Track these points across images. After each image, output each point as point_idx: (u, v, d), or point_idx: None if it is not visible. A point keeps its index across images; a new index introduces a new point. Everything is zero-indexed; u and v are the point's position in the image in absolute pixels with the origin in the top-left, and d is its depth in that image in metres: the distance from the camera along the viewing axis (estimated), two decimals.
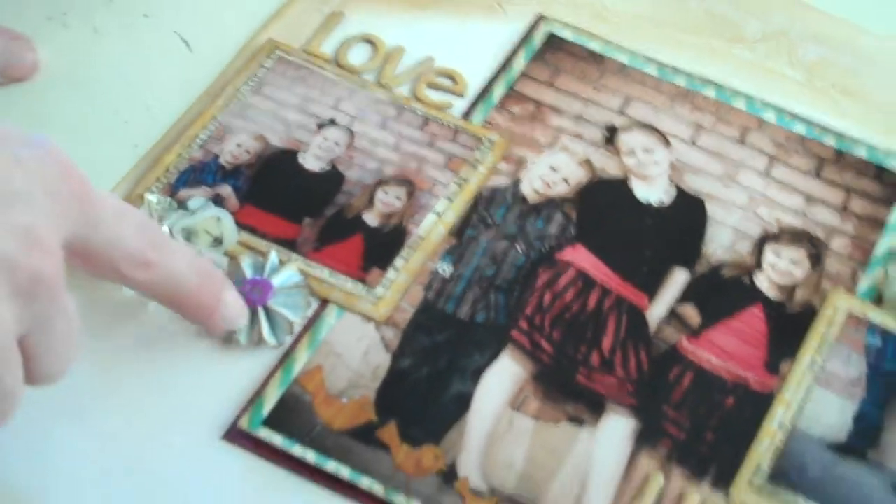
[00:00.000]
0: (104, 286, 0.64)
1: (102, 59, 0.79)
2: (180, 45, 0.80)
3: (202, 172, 0.73)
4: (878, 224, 0.74)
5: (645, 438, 0.65)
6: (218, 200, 0.72)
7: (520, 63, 0.80)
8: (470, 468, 0.63)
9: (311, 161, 0.74)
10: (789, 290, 0.71)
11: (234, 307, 0.63)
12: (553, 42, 0.81)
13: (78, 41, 0.80)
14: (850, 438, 0.65)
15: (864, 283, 0.71)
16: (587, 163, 0.75)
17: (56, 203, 0.49)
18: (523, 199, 0.74)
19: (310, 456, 0.62)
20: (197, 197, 0.71)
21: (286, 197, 0.73)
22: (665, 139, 0.77)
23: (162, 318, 0.67)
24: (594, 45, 0.81)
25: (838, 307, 0.69)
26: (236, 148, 0.74)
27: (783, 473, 0.63)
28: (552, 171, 0.75)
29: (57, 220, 0.49)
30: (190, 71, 0.79)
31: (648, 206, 0.74)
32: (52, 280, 0.48)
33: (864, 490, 0.63)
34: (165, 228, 0.67)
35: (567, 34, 0.81)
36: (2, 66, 0.75)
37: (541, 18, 0.82)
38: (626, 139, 0.77)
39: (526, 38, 0.81)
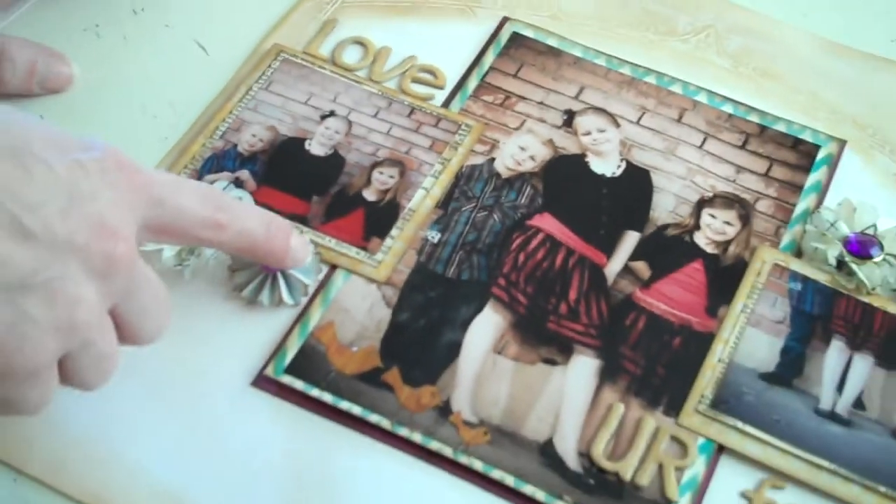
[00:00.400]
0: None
1: (131, 64, 0.77)
2: (199, 50, 0.79)
3: (223, 159, 0.72)
4: (797, 188, 0.73)
5: (607, 375, 0.65)
6: (239, 183, 0.71)
7: (489, 58, 0.79)
8: (462, 403, 0.63)
9: (317, 147, 0.73)
10: (724, 246, 0.70)
11: (300, 250, 0.62)
12: (517, 39, 0.80)
13: (110, 49, 0.78)
14: (777, 369, 0.65)
15: (786, 238, 0.71)
16: (550, 142, 0.75)
17: (119, 193, 0.50)
18: (497, 175, 0.73)
19: (326, 397, 0.62)
20: (221, 181, 0.71)
21: (296, 178, 0.72)
22: (615, 120, 0.76)
23: (197, 285, 0.67)
24: (552, 42, 0.80)
25: (765, 259, 0.69)
26: (251, 137, 0.73)
27: (723, 400, 0.63)
28: (521, 150, 0.74)
29: (123, 208, 0.49)
30: (208, 73, 0.77)
31: (603, 178, 0.73)
32: (126, 258, 0.48)
33: (790, 412, 0.63)
34: None
35: (529, 32, 0.80)
36: (41, 79, 0.74)
37: (506, 19, 0.81)
38: (582, 121, 0.76)
39: (494, 36, 0.80)
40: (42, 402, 0.50)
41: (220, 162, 0.72)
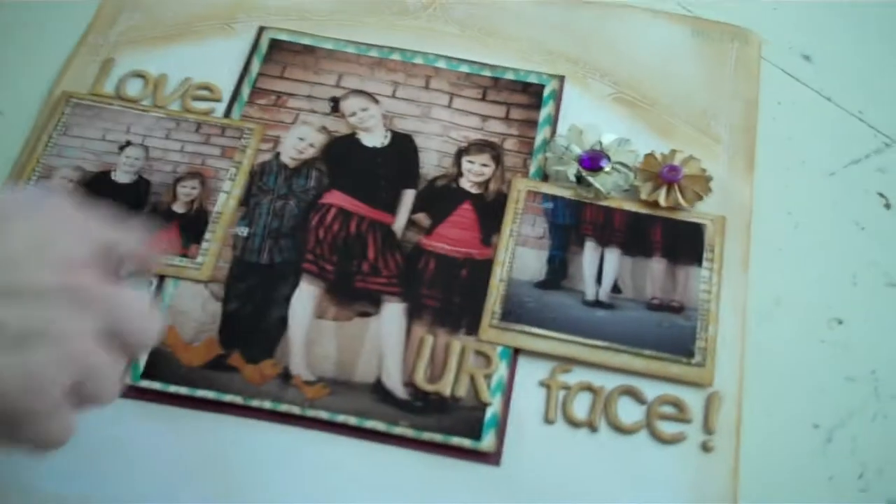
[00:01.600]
0: None
1: None
2: None
3: None
4: (533, 124, 0.79)
5: (413, 313, 0.70)
6: None
7: (255, 66, 0.81)
8: (299, 367, 0.68)
9: (122, 176, 0.75)
10: (485, 185, 0.76)
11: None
12: (275, 45, 0.83)
13: None
14: (547, 276, 0.72)
15: (533, 167, 0.77)
16: (323, 128, 0.79)
17: (73, 234, 0.52)
18: (285, 167, 0.77)
19: (183, 390, 0.67)
20: None
21: (110, 207, 0.74)
22: (374, 98, 0.80)
23: None
24: (306, 41, 0.83)
25: (519, 188, 0.76)
26: (61, 181, 0.74)
27: (509, 312, 0.70)
28: (300, 141, 0.78)
29: (79, 245, 0.52)
30: (8, 131, 0.78)
31: (374, 150, 0.78)
32: (95, 284, 0.50)
33: (564, 308, 0.71)
34: None
35: (284, 36, 0.83)
36: None
37: (262, 29, 0.83)
38: (346, 105, 0.80)
39: (255, 46, 0.82)
40: (66, 432, 0.52)
41: None
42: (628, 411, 0.67)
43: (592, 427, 0.67)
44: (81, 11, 0.84)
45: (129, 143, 0.77)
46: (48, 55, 0.82)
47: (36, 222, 0.51)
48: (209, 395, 0.66)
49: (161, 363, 0.67)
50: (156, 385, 0.67)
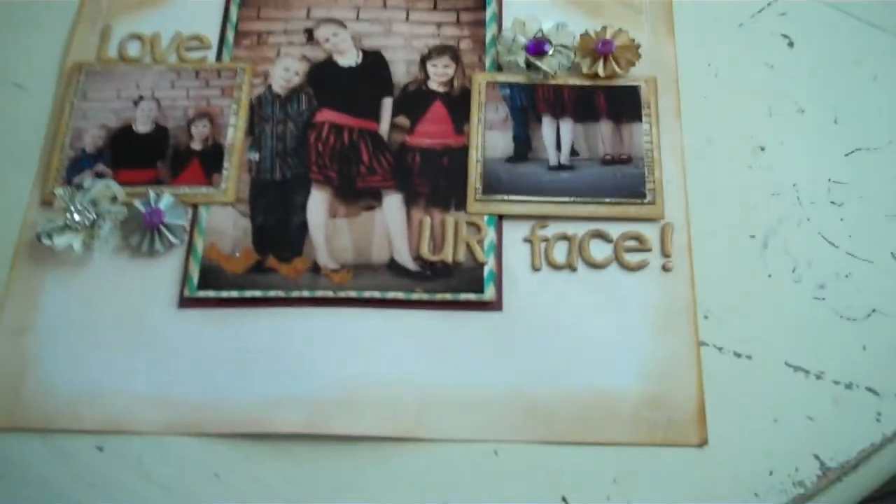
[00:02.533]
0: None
1: None
2: (17, 90, 0.88)
3: (79, 163, 0.82)
4: (481, 23, 0.88)
5: (409, 201, 0.80)
6: (99, 174, 0.82)
7: (234, 12, 0.89)
8: (324, 259, 0.78)
9: (142, 126, 0.84)
10: (450, 84, 0.85)
11: None
12: None
13: None
14: (515, 151, 0.82)
15: (488, 61, 0.86)
16: (304, 57, 0.87)
17: None
18: (278, 96, 0.85)
19: (234, 293, 0.77)
20: (86, 178, 0.81)
21: (138, 155, 0.82)
22: (342, 23, 0.88)
23: (109, 256, 0.80)
24: None
25: (479, 81, 0.85)
26: (91, 139, 0.83)
27: (489, 186, 0.80)
28: (286, 71, 0.86)
29: None
30: (34, 103, 0.86)
31: (350, 68, 0.86)
32: None
33: (534, 176, 0.80)
34: (78, 206, 0.78)
35: None
36: None
37: None
38: (319, 33, 0.88)
39: None
40: None
41: (78, 165, 0.83)
42: (599, 250, 0.79)
43: (572, 267, 0.78)
44: None
45: (141, 98, 0.85)
46: (50, 30, 0.90)
47: None
48: (256, 293, 0.76)
49: (211, 275, 0.78)
50: (210, 293, 0.77)
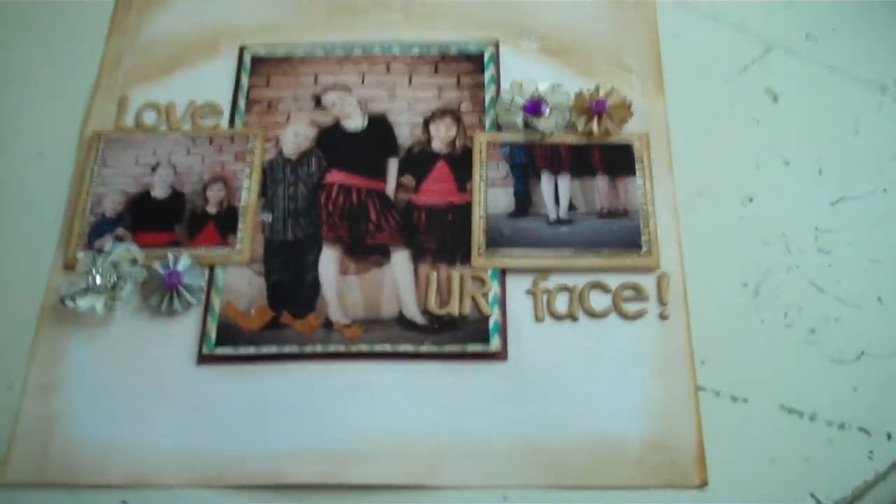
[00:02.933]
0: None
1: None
2: (39, 159, 0.91)
3: (100, 227, 0.85)
4: (481, 86, 0.91)
5: (416, 257, 0.83)
6: (119, 238, 0.85)
7: (245, 80, 0.93)
8: (337, 314, 0.81)
9: (159, 191, 0.87)
10: (452, 144, 0.88)
11: None
12: (257, 60, 0.94)
13: None
14: (516, 207, 0.85)
15: (488, 122, 0.90)
16: (312, 122, 0.90)
17: None
18: (289, 159, 0.88)
19: (250, 350, 0.80)
20: (107, 242, 0.84)
21: (156, 219, 0.86)
22: (348, 89, 0.92)
23: (129, 316, 0.83)
24: (281, 51, 0.94)
25: (480, 141, 0.88)
26: (111, 204, 0.87)
27: (492, 241, 0.83)
28: (296, 136, 0.90)
29: None
30: (54, 171, 0.90)
31: (357, 131, 0.90)
32: None
33: (535, 230, 0.84)
34: (100, 269, 0.81)
35: (262, 52, 0.94)
36: None
37: (243, 48, 0.94)
38: (326, 99, 0.91)
39: (240, 64, 0.94)
40: None
41: (98, 230, 0.86)
42: (599, 300, 0.82)
43: (573, 317, 0.81)
44: (88, 58, 0.96)
45: (158, 164, 0.89)
46: (69, 100, 0.94)
47: None
48: (272, 349, 0.80)
49: (228, 332, 0.81)
50: (227, 350, 0.80)
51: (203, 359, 0.80)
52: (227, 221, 0.86)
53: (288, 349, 0.79)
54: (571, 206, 0.85)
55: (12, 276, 0.84)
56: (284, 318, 0.81)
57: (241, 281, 0.83)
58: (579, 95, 0.88)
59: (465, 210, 0.84)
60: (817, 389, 0.77)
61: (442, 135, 0.88)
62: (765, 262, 0.83)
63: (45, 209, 0.88)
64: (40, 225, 0.87)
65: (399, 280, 0.82)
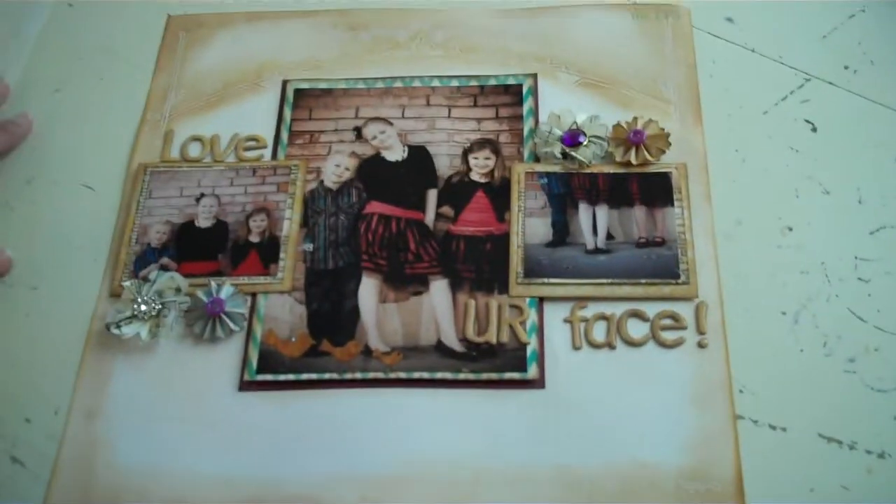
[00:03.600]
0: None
1: (45, 214, 0.92)
2: (87, 190, 0.94)
3: (145, 257, 0.87)
4: (519, 118, 0.92)
5: (455, 285, 0.84)
6: (164, 268, 0.86)
7: (287, 113, 0.94)
8: (375, 342, 0.82)
9: (203, 222, 0.89)
10: (490, 174, 0.89)
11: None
12: (299, 92, 0.95)
13: (22, 215, 0.93)
14: (554, 237, 0.85)
15: (526, 153, 0.90)
16: (353, 154, 0.91)
17: None
18: (330, 190, 0.90)
19: (290, 377, 0.81)
20: (152, 270, 0.86)
21: (200, 249, 0.87)
22: (388, 122, 0.93)
23: (172, 344, 0.84)
24: (322, 85, 0.95)
25: (519, 172, 0.89)
26: (156, 234, 0.88)
27: (530, 270, 0.84)
28: (336, 167, 0.91)
29: None
30: (102, 202, 0.92)
31: (397, 163, 0.91)
32: None
33: (572, 259, 0.84)
34: (145, 297, 0.83)
35: (304, 84, 0.95)
36: None
37: (286, 81, 0.95)
38: (367, 131, 0.93)
39: (283, 97, 0.95)
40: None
41: (144, 259, 0.88)
42: (636, 329, 0.82)
43: (611, 346, 0.81)
44: (135, 93, 0.98)
45: (202, 195, 0.90)
46: (116, 134, 0.96)
47: None
48: (312, 376, 0.80)
49: (269, 359, 0.82)
50: (268, 377, 0.81)
51: (244, 385, 0.81)
52: (269, 251, 0.87)
53: (328, 376, 0.80)
54: (609, 236, 0.85)
55: (60, 304, 0.86)
56: (324, 346, 0.82)
57: (283, 309, 0.84)
58: (617, 126, 0.89)
59: (504, 239, 0.85)
60: (857, 418, 0.77)
61: (481, 165, 0.89)
62: (804, 290, 0.83)
63: (92, 239, 0.89)
64: (88, 254, 0.89)
65: (437, 308, 0.83)
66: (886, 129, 0.90)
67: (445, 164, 0.90)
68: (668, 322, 0.81)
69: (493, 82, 0.94)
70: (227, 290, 0.84)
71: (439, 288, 0.84)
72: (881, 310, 0.81)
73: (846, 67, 0.94)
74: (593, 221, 0.86)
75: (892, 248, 0.84)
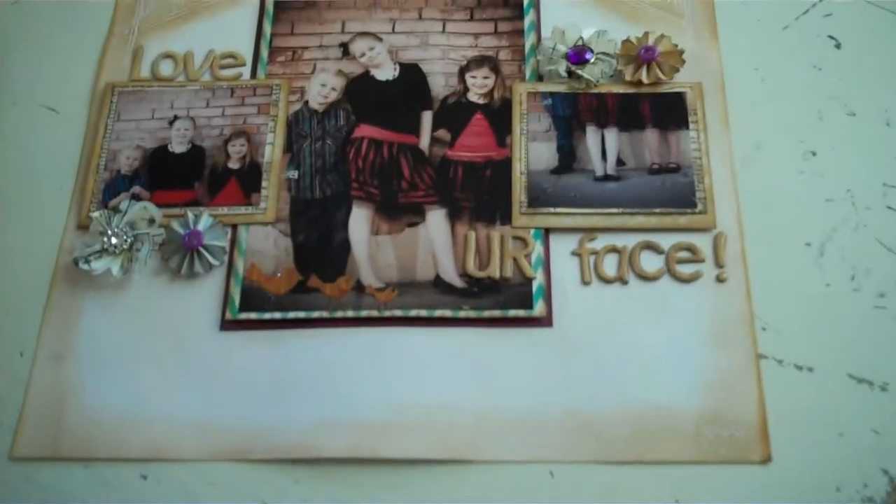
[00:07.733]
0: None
1: (8, 140, 0.86)
2: (50, 112, 0.87)
3: (115, 185, 0.82)
4: (520, 33, 0.87)
5: (453, 215, 0.79)
6: (136, 197, 0.81)
7: (267, 28, 0.88)
8: (369, 277, 0.77)
9: (178, 147, 0.83)
10: (490, 95, 0.84)
11: None
12: (280, 5, 0.90)
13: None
14: (559, 162, 0.81)
15: (528, 71, 0.85)
16: (340, 72, 0.86)
17: None
18: (315, 112, 0.84)
19: (276, 315, 0.76)
20: (123, 201, 0.81)
21: (174, 176, 0.82)
22: (377, 37, 0.88)
23: (148, 279, 0.79)
24: None
25: (520, 91, 0.84)
26: (126, 160, 0.83)
27: (534, 199, 0.79)
28: (322, 87, 0.86)
29: None
30: (66, 125, 0.86)
31: (388, 82, 0.86)
32: None
33: (579, 187, 0.79)
34: (115, 229, 0.78)
35: None
36: None
37: None
38: (354, 47, 0.87)
39: (262, 10, 0.90)
40: None
41: (113, 188, 0.82)
42: (650, 262, 0.77)
43: (623, 280, 0.77)
44: (101, 8, 0.92)
45: (176, 118, 0.85)
46: (81, 51, 0.90)
47: None
48: (299, 314, 0.75)
49: (252, 296, 0.77)
50: (252, 315, 0.76)
51: (226, 325, 0.76)
52: (250, 178, 0.81)
53: (317, 314, 0.76)
54: (619, 161, 0.80)
55: (23, 236, 0.81)
56: (312, 282, 0.77)
57: (266, 242, 0.79)
58: (626, 42, 0.84)
59: (505, 166, 0.80)
60: (888, 357, 0.73)
61: (479, 85, 0.84)
62: (829, 220, 0.78)
63: (56, 166, 0.84)
64: (52, 183, 0.83)
65: (435, 241, 0.78)
66: None
67: (440, 84, 0.85)
68: (684, 254, 0.77)
69: None
70: (205, 222, 0.79)
71: (436, 218, 0.79)
72: None
73: None
74: (602, 146, 0.81)
75: None
